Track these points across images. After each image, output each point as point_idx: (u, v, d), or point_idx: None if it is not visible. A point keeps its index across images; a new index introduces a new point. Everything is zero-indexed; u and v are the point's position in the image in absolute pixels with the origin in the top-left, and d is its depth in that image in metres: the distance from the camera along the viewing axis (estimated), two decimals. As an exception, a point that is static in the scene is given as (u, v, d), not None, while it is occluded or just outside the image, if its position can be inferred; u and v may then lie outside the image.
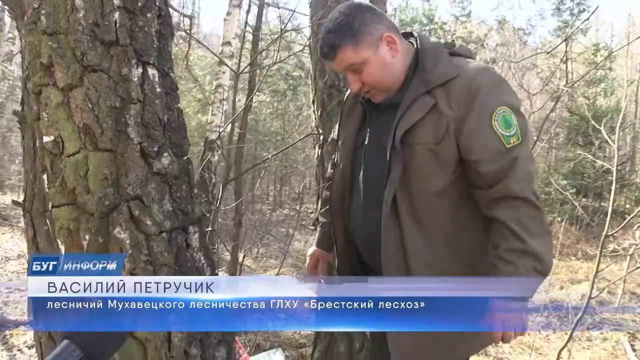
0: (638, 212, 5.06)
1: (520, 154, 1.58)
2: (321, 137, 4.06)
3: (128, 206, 1.77)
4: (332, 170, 2.07)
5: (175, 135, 1.95)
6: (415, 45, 1.75)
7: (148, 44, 1.87)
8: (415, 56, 1.71)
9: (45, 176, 1.85)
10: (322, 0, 4.20)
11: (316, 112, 4.18)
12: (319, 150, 4.13)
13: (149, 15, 1.89)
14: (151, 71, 1.87)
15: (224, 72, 8.65)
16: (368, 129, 1.78)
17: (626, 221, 3.94)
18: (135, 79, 1.82)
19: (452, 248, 1.67)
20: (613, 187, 3.84)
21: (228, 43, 8.95)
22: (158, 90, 1.88)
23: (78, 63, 1.75)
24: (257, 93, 10.41)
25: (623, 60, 21.07)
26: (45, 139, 1.79)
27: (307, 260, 2.19)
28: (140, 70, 1.84)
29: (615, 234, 5.07)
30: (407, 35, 1.80)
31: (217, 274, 2.24)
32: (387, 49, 1.67)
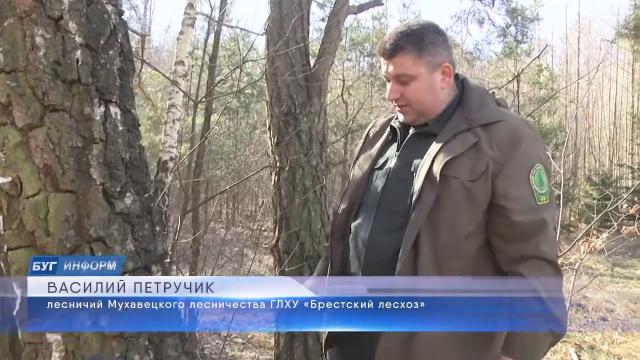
0: (585, 232, 5.27)
1: (547, 217, 1.61)
2: (278, 165, 4.06)
3: (90, 247, 1.74)
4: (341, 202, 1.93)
5: (137, 174, 1.92)
6: (459, 86, 1.76)
7: (110, 81, 1.85)
8: (459, 95, 1.74)
9: (0, 218, 1.79)
10: (277, 29, 4.22)
11: (272, 139, 4.17)
12: (276, 178, 4.12)
13: (111, 52, 1.87)
14: (113, 109, 1.85)
15: (177, 92, 8.57)
16: (397, 153, 1.76)
17: (572, 244, 4.12)
18: (98, 118, 1.79)
19: None
20: (561, 210, 4.00)
21: (181, 62, 8.86)
22: (120, 128, 1.86)
23: (38, 102, 1.72)
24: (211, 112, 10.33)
25: (563, 80, 21.99)
26: (2, 179, 1.74)
27: None
28: (102, 108, 1.81)
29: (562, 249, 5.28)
30: (455, 76, 1.81)
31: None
32: (441, 77, 1.69)
